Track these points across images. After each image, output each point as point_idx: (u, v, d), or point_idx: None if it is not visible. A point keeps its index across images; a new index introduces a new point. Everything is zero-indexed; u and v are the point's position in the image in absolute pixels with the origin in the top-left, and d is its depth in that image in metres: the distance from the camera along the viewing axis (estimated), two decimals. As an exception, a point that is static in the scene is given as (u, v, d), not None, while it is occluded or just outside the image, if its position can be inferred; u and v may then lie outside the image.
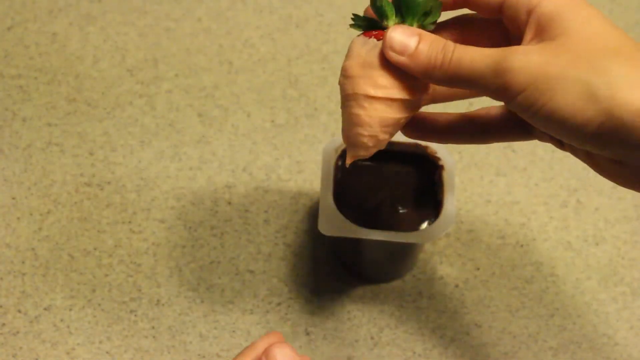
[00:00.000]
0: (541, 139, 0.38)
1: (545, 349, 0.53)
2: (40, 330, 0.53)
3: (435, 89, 0.39)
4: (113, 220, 0.57)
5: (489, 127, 0.39)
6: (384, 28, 0.35)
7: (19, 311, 0.53)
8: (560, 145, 0.37)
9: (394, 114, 0.35)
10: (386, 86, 0.35)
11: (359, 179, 0.52)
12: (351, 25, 0.36)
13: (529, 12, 0.32)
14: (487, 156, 0.61)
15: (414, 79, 0.35)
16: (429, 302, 0.55)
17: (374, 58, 0.34)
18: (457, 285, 0.56)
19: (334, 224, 0.48)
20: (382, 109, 0.35)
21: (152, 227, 0.57)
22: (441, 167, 0.51)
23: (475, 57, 0.32)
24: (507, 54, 0.31)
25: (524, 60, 0.31)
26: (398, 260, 0.55)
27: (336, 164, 0.51)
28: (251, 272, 0.56)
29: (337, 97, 0.64)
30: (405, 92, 0.35)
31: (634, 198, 0.60)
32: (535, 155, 0.62)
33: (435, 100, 0.40)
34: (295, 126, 0.62)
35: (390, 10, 0.35)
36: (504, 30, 0.36)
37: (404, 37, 0.34)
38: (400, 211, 0.51)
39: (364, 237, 0.48)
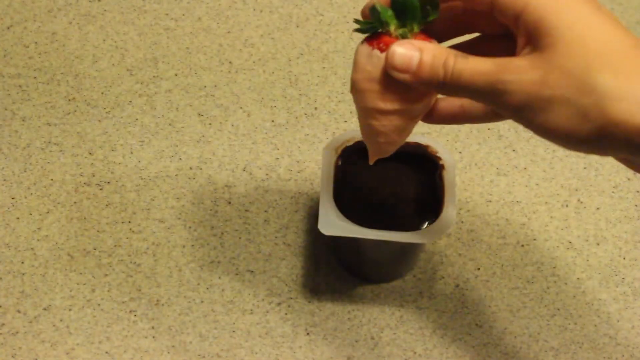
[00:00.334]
0: None
1: (547, 349, 0.53)
2: (40, 330, 0.53)
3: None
4: (113, 220, 0.57)
5: None
6: (386, 32, 0.36)
7: (18, 311, 0.53)
8: None
9: (406, 120, 0.38)
10: (395, 99, 0.36)
11: (359, 178, 0.52)
12: (355, 30, 0.37)
13: (516, 18, 0.33)
14: (488, 156, 0.61)
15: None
16: (429, 302, 0.55)
17: (380, 73, 0.36)
18: (457, 285, 0.55)
19: (334, 224, 0.48)
20: (393, 118, 0.37)
21: (152, 226, 0.57)
22: (442, 167, 0.51)
23: (474, 72, 0.33)
24: (503, 71, 0.32)
25: (517, 82, 0.32)
26: (398, 260, 0.54)
27: (336, 163, 0.51)
28: (251, 272, 0.55)
29: (337, 97, 0.64)
30: (414, 100, 0.37)
31: (635, 198, 0.60)
32: (536, 155, 0.61)
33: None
34: (296, 126, 0.62)
35: (389, 17, 0.36)
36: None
37: (405, 56, 0.35)
38: (401, 211, 0.51)
39: (364, 236, 0.47)
